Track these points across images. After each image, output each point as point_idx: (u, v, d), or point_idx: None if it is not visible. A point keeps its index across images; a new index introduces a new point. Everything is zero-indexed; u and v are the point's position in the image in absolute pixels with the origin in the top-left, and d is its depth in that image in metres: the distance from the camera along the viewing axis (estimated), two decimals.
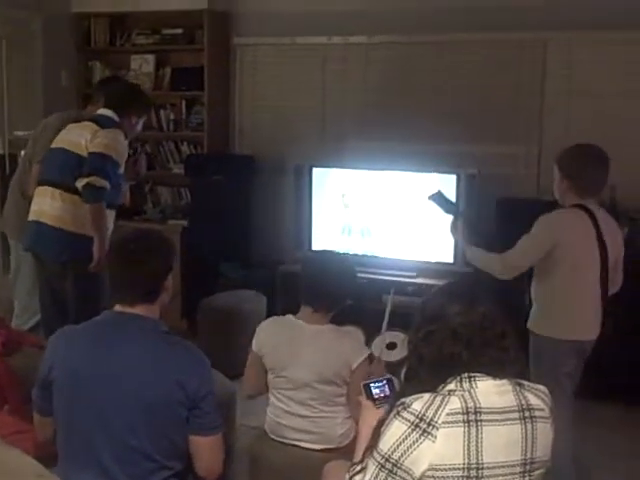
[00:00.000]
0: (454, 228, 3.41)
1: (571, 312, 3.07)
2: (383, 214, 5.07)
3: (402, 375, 2.05)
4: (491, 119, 5.07)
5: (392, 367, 3.69)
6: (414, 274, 4.95)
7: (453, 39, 5.11)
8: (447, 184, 4.82)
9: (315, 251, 5.11)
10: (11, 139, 5.31)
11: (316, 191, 5.21)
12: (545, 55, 4.95)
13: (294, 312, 2.87)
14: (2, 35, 5.27)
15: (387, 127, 5.26)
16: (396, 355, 3.89)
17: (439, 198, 3.49)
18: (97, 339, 2.20)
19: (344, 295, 2.86)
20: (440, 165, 4.90)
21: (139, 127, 4.12)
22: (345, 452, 2.62)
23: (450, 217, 3.46)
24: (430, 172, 4.90)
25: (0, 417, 2.76)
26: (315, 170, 5.21)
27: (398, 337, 3.95)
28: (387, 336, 3.99)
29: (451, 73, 5.17)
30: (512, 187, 4.99)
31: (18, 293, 4.55)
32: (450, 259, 4.88)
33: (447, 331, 1.73)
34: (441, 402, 1.65)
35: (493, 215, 4.72)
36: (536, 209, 4.38)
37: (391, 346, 4.03)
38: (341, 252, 3.03)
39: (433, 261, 4.97)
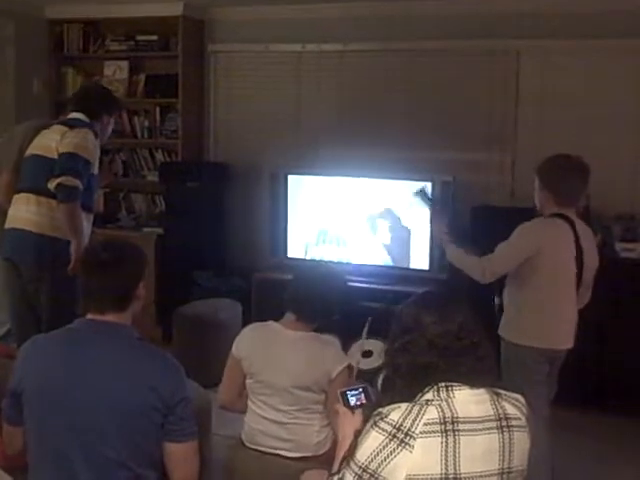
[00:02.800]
0: (436, 226, 3.40)
1: (545, 321, 3.09)
2: (358, 221, 5.08)
3: (379, 384, 2.05)
4: (465, 126, 5.10)
5: (367, 375, 3.72)
6: (389, 281, 4.94)
7: (427, 46, 5.13)
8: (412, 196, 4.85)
9: (306, 260, 5.10)
10: None
11: (291, 198, 5.21)
12: (518, 63, 4.99)
13: (269, 319, 2.87)
14: None
15: (362, 134, 5.27)
16: (371, 363, 3.92)
17: (424, 195, 3.51)
18: (68, 348, 2.18)
19: (332, 310, 2.85)
20: (415, 172, 4.91)
21: (110, 127, 4.09)
22: (322, 461, 2.62)
23: (433, 214, 3.47)
24: (405, 179, 4.91)
25: None
26: (290, 177, 5.20)
27: (376, 345, 3.97)
28: (364, 344, 4.01)
29: (425, 80, 5.19)
30: (487, 194, 5.02)
31: None
32: (425, 266, 4.89)
33: (423, 341, 1.73)
34: (418, 412, 1.64)
35: (468, 222, 4.74)
36: (510, 216, 4.42)
37: (367, 354, 4.06)
38: (333, 265, 3.02)
39: (409, 268, 4.97)
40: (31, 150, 3.86)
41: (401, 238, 4.97)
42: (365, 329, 4.04)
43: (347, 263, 5.07)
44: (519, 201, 4.79)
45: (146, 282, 2.29)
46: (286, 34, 5.45)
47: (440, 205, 3.52)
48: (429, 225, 3.47)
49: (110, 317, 2.19)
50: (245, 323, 4.73)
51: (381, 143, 5.19)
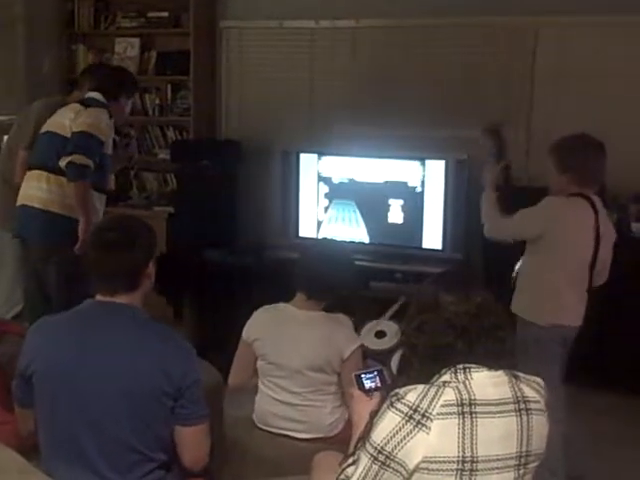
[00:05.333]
0: (492, 166, 3.35)
1: (561, 299, 3.05)
2: (371, 200, 5.03)
3: (392, 365, 2.03)
4: (480, 104, 5.01)
5: (380, 356, 3.69)
6: (402, 261, 4.91)
7: (442, 23, 5.05)
8: (436, 169, 4.81)
9: (314, 239, 5.07)
10: None
11: (303, 177, 5.17)
12: (535, 40, 4.89)
13: (280, 299, 2.85)
14: None
15: (375, 113, 5.21)
16: (384, 344, 3.89)
17: (493, 134, 3.44)
18: (78, 329, 2.15)
19: (340, 284, 2.83)
20: (429, 150, 4.86)
21: (128, 109, 4.09)
22: (334, 442, 2.61)
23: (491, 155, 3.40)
24: (419, 159, 4.86)
25: None
26: (302, 156, 5.15)
27: (389, 326, 3.94)
28: (377, 324, 3.98)
29: (440, 57, 5.11)
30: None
31: (0, 281, 4.48)
32: (439, 246, 4.85)
33: (441, 321, 1.69)
34: (435, 393, 1.61)
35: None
36: (526, 195, 4.39)
37: (380, 334, 4.03)
38: (340, 241, 3.01)
39: (422, 247, 4.93)
40: (46, 127, 3.86)
41: (414, 217, 4.92)
42: (391, 310, 4.03)
43: (360, 242, 5.03)
44: (534, 180, 4.74)
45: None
46: (299, 10, 5.37)
47: (502, 149, 3.44)
48: (485, 165, 3.41)
49: (120, 298, 2.16)
50: (257, 301, 4.79)
51: (395, 121, 5.11)
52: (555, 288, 3.05)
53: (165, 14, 5.62)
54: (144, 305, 2.24)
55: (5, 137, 4.58)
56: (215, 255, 5.37)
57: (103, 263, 2.17)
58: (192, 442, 2.14)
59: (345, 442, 2.25)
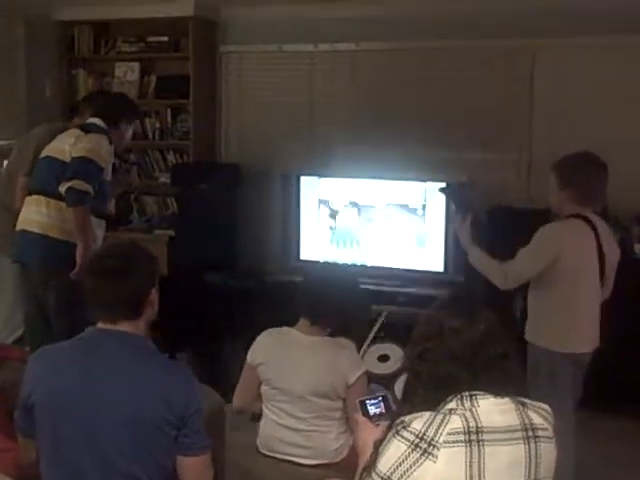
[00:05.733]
0: (460, 225, 3.30)
1: (571, 325, 3.03)
2: (372, 223, 5.03)
3: (395, 389, 2.00)
4: (481, 126, 5.03)
5: (383, 380, 3.66)
6: (404, 283, 4.89)
7: (441, 46, 5.08)
8: (436, 191, 4.79)
9: (317, 262, 5.04)
10: None
11: (304, 200, 5.16)
12: (534, 62, 4.93)
13: (282, 322, 2.82)
14: None
15: (375, 135, 5.22)
16: (388, 368, 3.85)
17: (452, 191, 3.44)
18: (80, 358, 2.11)
19: (347, 310, 2.75)
20: (430, 172, 4.86)
21: (128, 135, 4.09)
22: (339, 468, 2.58)
23: (457, 213, 3.38)
24: (419, 180, 4.86)
25: None
26: (303, 179, 5.15)
27: (392, 350, 3.91)
28: (379, 348, 3.95)
29: (439, 80, 5.13)
30: (502, 195, 4.95)
31: (0, 306, 4.47)
32: (440, 268, 4.83)
33: (444, 350, 1.66)
34: (442, 421, 1.59)
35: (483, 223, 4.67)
36: (527, 217, 4.39)
37: (383, 358, 4.00)
38: (344, 264, 2.94)
39: (423, 270, 4.92)
40: (45, 152, 3.87)
41: (415, 239, 4.91)
42: (374, 330, 3.99)
43: (360, 265, 5.02)
44: (535, 202, 4.73)
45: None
46: (298, 34, 5.40)
47: (464, 205, 3.41)
48: (452, 224, 3.37)
49: (123, 326, 2.12)
50: (258, 326, 4.76)
51: (395, 144, 5.12)
52: (567, 316, 3.02)
53: (165, 39, 5.65)
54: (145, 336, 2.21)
55: (5, 162, 4.58)
56: (216, 278, 5.36)
57: (102, 290, 2.12)
58: (194, 472, 2.11)
59: (350, 468, 2.23)
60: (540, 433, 1.64)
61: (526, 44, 4.90)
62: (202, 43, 5.59)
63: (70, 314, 3.60)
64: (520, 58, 4.95)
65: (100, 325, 2.15)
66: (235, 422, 3.11)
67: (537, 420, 1.66)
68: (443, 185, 3.60)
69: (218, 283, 5.34)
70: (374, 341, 4.00)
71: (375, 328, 4.02)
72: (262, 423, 2.77)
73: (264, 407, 2.76)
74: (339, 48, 5.34)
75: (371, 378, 3.49)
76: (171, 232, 5.52)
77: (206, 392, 3.15)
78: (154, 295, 2.18)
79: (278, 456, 2.72)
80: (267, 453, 2.75)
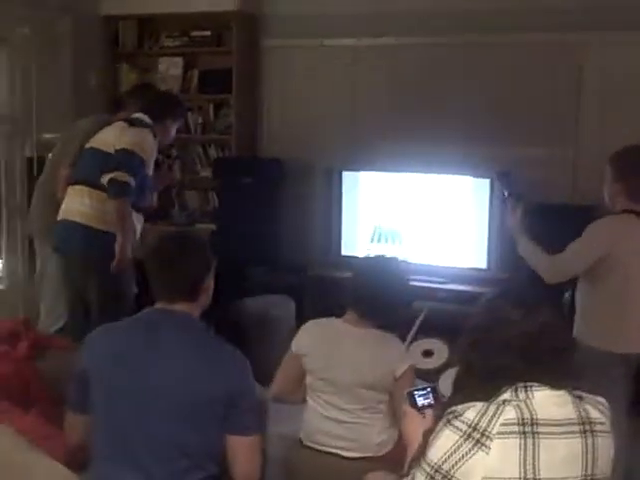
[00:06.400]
0: (512, 214, 3.26)
1: (620, 322, 2.95)
2: (414, 218, 4.98)
3: (439, 385, 1.97)
4: (525, 121, 4.96)
5: (427, 376, 3.62)
6: (446, 280, 4.84)
7: (485, 40, 5.02)
8: (480, 187, 4.75)
9: (348, 257, 5.03)
10: (40, 141, 5.28)
11: (346, 195, 5.14)
12: (582, 56, 4.84)
13: (322, 316, 2.81)
14: (31, 37, 5.25)
15: (418, 129, 5.17)
16: (433, 363, 3.82)
17: (507, 178, 3.40)
18: (137, 336, 2.17)
19: (395, 306, 2.74)
20: (473, 167, 4.80)
21: (173, 133, 4.11)
22: (382, 461, 2.56)
23: (509, 199, 3.33)
24: (462, 174, 4.81)
25: (28, 420, 2.69)
26: (345, 173, 5.13)
27: (435, 345, 3.87)
28: (423, 343, 3.92)
29: (483, 74, 5.07)
30: (546, 191, 4.87)
31: (43, 296, 4.52)
32: (483, 264, 4.77)
33: (498, 341, 1.63)
34: (495, 411, 1.55)
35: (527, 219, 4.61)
36: (571, 214, 4.32)
37: (427, 354, 3.96)
38: (394, 257, 2.92)
39: (466, 267, 4.86)
40: (90, 143, 3.91)
41: (458, 235, 4.86)
42: (416, 325, 3.95)
43: (403, 261, 4.97)
44: (580, 198, 4.66)
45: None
46: (340, 28, 5.37)
47: (517, 193, 3.36)
48: (503, 210, 3.32)
49: (180, 306, 2.18)
50: (298, 320, 4.74)
51: (437, 138, 5.06)
52: (617, 314, 2.95)
53: (208, 33, 5.66)
54: None
55: (50, 154, 4.63)
56: (257, 273, 5.37)
57: (162, 271, 2.20)
58: (245, 453, 2.13)
59: (393, 462, 2.20)
60: (597, 427, 1.60)
61: (575, 37, 4.81)
62: (245, 38, 5.59)
63: (110, 305, 3.63)
64: (568, 51, 4.87)
65: (158, 305, 2.21)
66: (276, 414, 3.09)
67: (594, 414, 1.61)
68: (500, 171, 3.53)
69: (259, 278, 5.35)
70: (416, 337, 3.96)
71: (417, 323, 3.98)
72: (306, 414, 2.75)
73: (308, 398, 2.74)
74: (381, 42, 5.30)
75: (415, 373, 3.46)
76: (212, 226, 5.54)
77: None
78: (209, 282, 2.25)
79: (322, 448, 2.70)
80: (311, 445, 2.73)
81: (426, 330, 4.08)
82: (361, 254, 5.06)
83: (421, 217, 4.96)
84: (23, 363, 2.99)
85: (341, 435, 2.66)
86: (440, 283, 4.82)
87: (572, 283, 3.12)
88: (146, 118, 3.89)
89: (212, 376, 2.06)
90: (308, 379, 2.72)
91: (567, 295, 3.20)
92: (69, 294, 3.98)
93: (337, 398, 2.65)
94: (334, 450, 2.67)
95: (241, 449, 2.12)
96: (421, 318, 3.99)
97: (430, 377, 3.55)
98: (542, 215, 4.58)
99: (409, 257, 4.97)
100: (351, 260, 4.66)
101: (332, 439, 2.67)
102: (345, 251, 5.18)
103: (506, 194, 3.35)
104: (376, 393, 2.62)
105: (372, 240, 5.10)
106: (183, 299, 2.17)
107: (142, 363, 2.10)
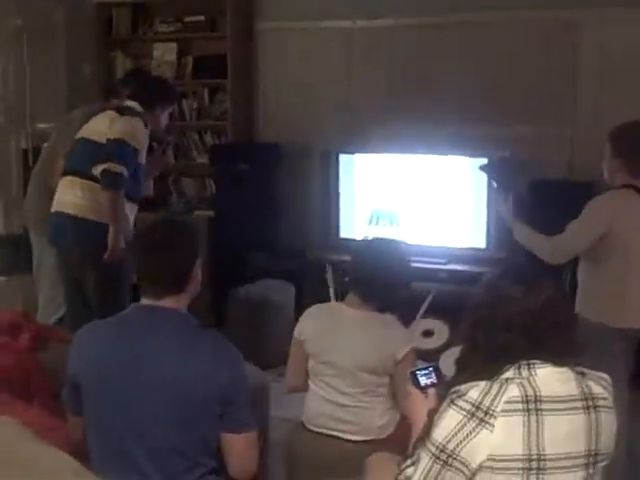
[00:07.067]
0: (502, 201, 3.24)
1: (622, 298, 2.94)
2: (412, 199, 4.97)
3: (440, 364, 1.97)
4: (522, 100, 4.94)
5: (427, 356, 3.63)
6: (445, 261, 4.83)
7: (480, 19, 4.98)
8: (477, 169, 4.73)
9: (346, 240, 5.02)
10: (34, 132, 5.26)
11: (343, 177, 5.12)
12: (578, 33, 4.80)
13: (323, 300, 2.80)
14: (24, 26, 5.22)
15: (415, 110, 5.14)
16: (433, 343, 3.82)
17: (490, 168, 3.38)
18: (125, 335, 2.11)
19: (396, 288, 2.73)
20: (470, 148, 4.79)
21: (164, 120, 4.07)
22: (385, 444, 2.55)
23: (499, 189, 3.32)
24: (460, 155, 4.79)
25: (31, 413, 2.69)
26: (342, 156, 5.11)
27: (436, 325, 3.87)
28: (423, 324, 3.92)
29: (479, 54, 5.03)
30: (545, 169, 4.86)
31: (42, 287, 4.50)
32: (482, 244, 4.77)
33: (501, 319, 1.63)
34: (499, 390, 1.55)
35: (525, 197, 4.60)
36: (570, 191, 4.31)
37: (427, 334, 3.96)
38: (394, 239, 2.92)
39: (465, 247, 4.86)
40: (81, 134, 3.86)
41: (456, 215, 4.85)
42: (423, 307, 3.95)
43: (402, 242, 4.96)
44: (578, 175, 4.65)
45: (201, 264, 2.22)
46: (335, 10, 5.34)
47: (505, 183, 3.35)
48: (494, 200, 3.30)
49: (167, 302, 2.11)
50: (298, 305, 4.74)
51: (434, 119, 5.04)
52: (619, 290, 2.93)
53: (202, 18, 5.61)
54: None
55: (45, 145, 4.60)
56: (256, 258, 5.36)
57: (146, 265, 2.14)
58: (239, 450, 2.09)
59: (396, 444, 2.20)
60: (600, 403, 1.60)
61: (571, 15, 4.78)
62: (239, 22, 5.54)
63: (109, 295, 3.61)
64: (564, 29, 4.83)
65: (144, 301, 2.14)
66: (278, 397, 3.10)
67: (597, 389, 1.61)
68: (484, 162, 3.51)
69: (258, 263, 5.34)
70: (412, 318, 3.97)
71: (425, 305, 3.97)
72: (308, 398, 2.75)
73: (310, 382, 2.74)
74: (377, 24, 5.27)
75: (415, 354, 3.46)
76: (210, 213, 5.51)
77: (250, 369, 3.15)
78: (198, 269, 2.18)
79: (324, 431, 2.70)
80: (313, 428, 2.73)
81: (426, 310, 4.08)
82: (359, 237, 5.07)
83: (419, 198, 4.94)
84: (25, 355, 2.98)
85: (343, 418, 2.66)
86: (439, 264, 4.81)
87: (573, 261, 3.11)
88: (137, 106, 3.84)
89: (205, 375, 2.01)
90: (310, 363, 2.72)
91: (567, 273, 3.19)
92: (66, 285, 3.96)
93: (338, 381, 2.65)
94: (336, 433, 2.67)
95: (237, 446, 2.08)
96: (429, 299, 3.97)
97: (430, 357, 3.56)
98: (540, 192, 4.60)
99: (407, 238, 4.97)
100: (349, 243, 4.66)
101: (334, 422, 2.67)
102: (344, 234, 5.16)
103: (495, 185, 3.34)
104: (377, 377, 2.62)
105: (370, 222, 5.09)
106: (170, 293, 2.11)
107: (131, 365, 2.04)
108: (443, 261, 4.83)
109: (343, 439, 2.67)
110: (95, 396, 2.09)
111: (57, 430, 2.43)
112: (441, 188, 4.86)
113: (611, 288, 2.95)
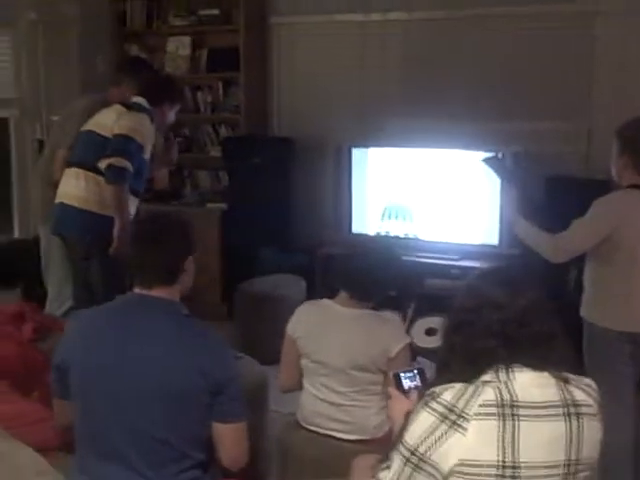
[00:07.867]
0: (506, 196, 3.17)
1: (628, 302, 2.84)
2: (425, 194, 4.91)
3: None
4: (538, 94, 4.86)
5: (430, 354, 3.58)
6: (457, 257, 4.78)
7: (496, 13, 4.90)
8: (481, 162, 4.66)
9: (358, 235, 4.98)
10: (49, 124, 5.27)
11: (356, 172, 5.08)
12: (594, 27, 4.71)
13: (332, 297, 2.77)
14: (39, 19, 5.24)
15: (428, 105, 5.08)
16: (434, 342, 3.76)
17: (495, 162, 3.31)
18: (115, 323, 2.14)
19: (386, 286, 2.73)
20: (484, 143, 4.71)
21: (171, 117, 4.08)
22: (380, 444, 2.51)
23: (504, 183, 3.26)
24: (474, 150, 4.72)
25: (27, 404, 2.69)
26: (355, 151, 5.07)
27: (439, 323, 3.80)
28: (426, 322, 3.87)
29: (494, 48, 4.96)
30: (560, 165, 4.77)
31: (50, 279, 4.51)
32: (495, 241, 4.70)
33: (480, 325, 1.57)
34: (473, 392, 1.50)
35: (541, 194, 4.53)
36: (586, 188, 4.22)
37: (430, 332, 3.91)
38: (386, 237, 2.90)
39: (477, 243, 4.80)
40: (87, 126, 3.90)
41: (469, 211, 4.79)
42: (410, 311, 3.92)
43: (413, 238, 4.92)
44: (595, 172, 4.55)
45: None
46: (349, 4, 5.30)
47: (507, 176, 3.28)
48: (500, 197, 3.23)
49: (158, 292, 2.14)
50: (309, 299, 4.71)
51: (448, 113, 4.97)
52: (624, 293, 2.84)
53: (216, 11, 5.60)
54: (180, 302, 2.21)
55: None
56: (268, 251, 5.34)
57: (138, 256, 2.18)
58: (229, 440, 2.09)
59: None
60: (583, 410, 1.54)
61: (587, 8, 4.69)
62: (252, 15, 5.53)
63: (113, 287, 3.62)
64: (580, 23, 4.74)
65: (136, 290, 2.18)
66: (277, 392, 3.07)
67: (580, 396, 1.55)
68: (487, 155, 3.44)
69: (270, 257, 5.32)
70: (421, 314, 3.92)
71: (410, 314, 3.93)
72: (302, 397, 2.72)
73: (304, 381, 2.70)
74: (390, 17, 5.22)
75: (418, 352, 3.42)
76: (223, 206, 5.51)
77: (248, 363, 3.14)
78: (190, 263, 2.21)
79: (319, 430, 2.66)
80: (308, 427, 2.70)
81: (434, 308, 4.03)
82: (372, 232, 5.03)
83: (432, 193, 4.88)
84: (27, 345, 2.99)
85: (337, 418, 2.62)
86: (451, 260, 4.76)
87: (579, 259, 3.04)
88: (144, 102, 3.88)
89: (193, 365, 2.01)
90: (303, 362, 2.69)
91: (574, 271, 3.11)
92: (73, 276, 3.99)
93: (331, 380, 2.61)
94: (331, 432, 2.63)
95: (228, 435, 2.08)
96: (412, 307, 3.95)
97: (433, 355, 3.50)
98: (556, 189, 4.52)
99: (420, 234, 4.93)
100: (361, 238, 4.62)
101: (329, 421, 2.63)
102: (356, 229, 5.12)
103: (499, 178, 3.27)
104: (370, 374, 2.58)
105: (383, 217, 5.04)
106: (159, 284, 2.14)
107: (120, 353, 2.06)
108: (456, 257, 4.77)
109: (338, 438, 2.63)
110: (83, 383, 2.10)
111: (48, 421, 2.44)
112: (454, 183, 4.80)
113: (617, 291, 2.86)
